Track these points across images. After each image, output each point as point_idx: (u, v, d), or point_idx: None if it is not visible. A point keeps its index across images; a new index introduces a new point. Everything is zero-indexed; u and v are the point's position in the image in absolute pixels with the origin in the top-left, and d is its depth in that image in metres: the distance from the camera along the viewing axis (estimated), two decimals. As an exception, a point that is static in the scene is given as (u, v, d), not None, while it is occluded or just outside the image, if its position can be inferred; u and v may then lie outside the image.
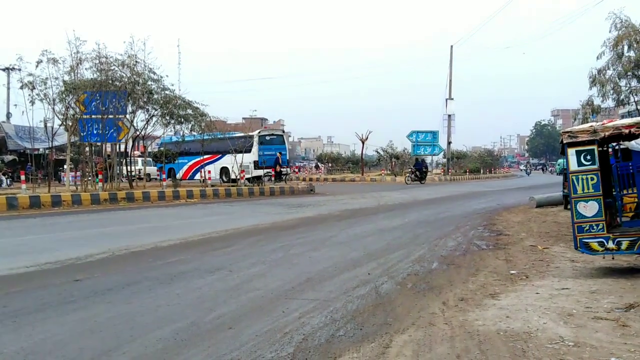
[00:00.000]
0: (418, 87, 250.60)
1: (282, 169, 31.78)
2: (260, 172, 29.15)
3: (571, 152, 6.90)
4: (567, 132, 7.12)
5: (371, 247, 9.79)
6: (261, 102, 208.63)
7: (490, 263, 8.21)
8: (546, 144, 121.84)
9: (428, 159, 66.29)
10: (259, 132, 30.61)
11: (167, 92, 24.97)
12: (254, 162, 29.42)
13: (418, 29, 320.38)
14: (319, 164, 68.08)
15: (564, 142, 6.99)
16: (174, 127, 27.05)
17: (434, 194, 26.49)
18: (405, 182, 39.20)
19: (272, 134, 30.68)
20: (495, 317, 5.21)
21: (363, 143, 49.32)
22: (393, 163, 55.90)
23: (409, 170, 42.57)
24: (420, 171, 39.96)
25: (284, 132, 32.10)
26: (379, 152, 59.62)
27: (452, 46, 51.22)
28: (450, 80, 50.78)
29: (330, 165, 63.15)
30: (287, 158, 31.20)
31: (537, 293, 6.15)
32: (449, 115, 51.13)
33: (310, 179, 40.17)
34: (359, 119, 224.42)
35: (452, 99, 51.04)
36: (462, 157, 67.41)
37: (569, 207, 9.06)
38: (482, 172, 60.00)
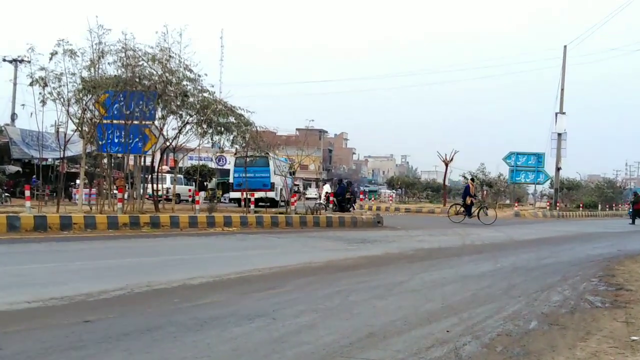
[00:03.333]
0: (519, 103, 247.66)
1: (473, 200, 34.76)
2: (237, 195, 32.03)
3: None
4: None
5: (452, 298, 9.71)
6: (320, 110, 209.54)
7: (605, 325, 8.03)
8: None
9: (530, 188, 65.39)
10: (235, 154, 33.18)
11: (205, 94, 25.33)
12: (230, 183, 34.20)
13: (518, 17, 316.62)
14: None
15: None
16: (211, 138, 27.54)
17: (536, 233, 26.15)
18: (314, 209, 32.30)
19: (253, 156, 31.83)
20: (608, 394, 5.11)
21: (447, 165, 48.72)
22: (484, 192, 54.98)
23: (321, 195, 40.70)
24: (341, 196, 35.01)
25: (267, 154, 34.04)
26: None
27: (565, 46, 50.09)
28: (562, 90, 49.05)
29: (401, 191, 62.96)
30: (272, 181, 35.07)
31: (665, 367, 6.00)
32: (559, 134, 49.14)
33: (378, 208, 40.04)
34: (442, 136, 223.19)
35: (564, 113, 49.24)
36: (574, 187, 66.34)
37: None
38: (599, 207, 58.74)
